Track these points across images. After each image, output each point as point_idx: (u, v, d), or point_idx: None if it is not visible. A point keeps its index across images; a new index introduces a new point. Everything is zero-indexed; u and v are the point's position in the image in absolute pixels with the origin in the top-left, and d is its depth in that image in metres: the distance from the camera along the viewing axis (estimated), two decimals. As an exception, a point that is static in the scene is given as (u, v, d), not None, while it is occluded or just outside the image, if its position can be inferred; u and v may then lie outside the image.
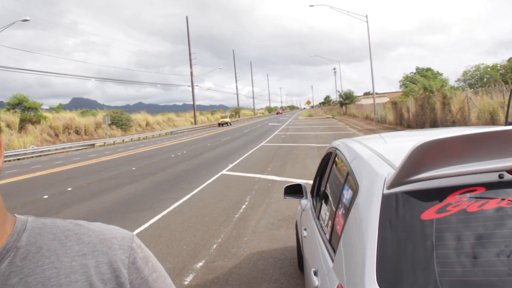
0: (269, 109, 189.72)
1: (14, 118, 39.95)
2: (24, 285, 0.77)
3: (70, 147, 38.47)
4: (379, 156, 2.24)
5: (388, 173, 1.87)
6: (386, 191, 1.76)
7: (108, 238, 0.88)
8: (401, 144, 2.79)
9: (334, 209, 2.49)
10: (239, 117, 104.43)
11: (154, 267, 0.92)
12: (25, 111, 41.42)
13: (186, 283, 5.03)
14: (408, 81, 46.84)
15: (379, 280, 1.54)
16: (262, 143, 26.34)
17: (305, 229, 3.64)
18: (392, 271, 1.56)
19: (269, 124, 59.36)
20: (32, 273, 0.78)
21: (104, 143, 43.35)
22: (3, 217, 0.81)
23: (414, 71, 51.29)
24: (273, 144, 25.39)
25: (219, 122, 70.71)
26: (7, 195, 13.09)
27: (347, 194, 2.26)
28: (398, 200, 1.72)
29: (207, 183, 12.52)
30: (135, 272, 0.87)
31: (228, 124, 69.81)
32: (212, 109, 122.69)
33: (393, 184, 1.72)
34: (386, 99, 49.94)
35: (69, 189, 13.43)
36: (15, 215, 0.86)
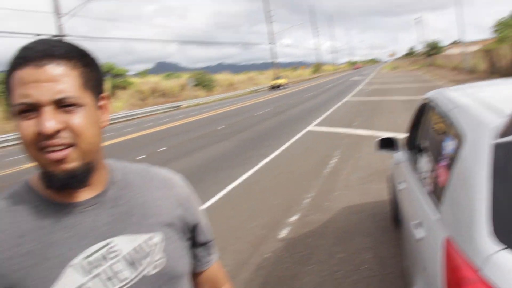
0: (351, 63, 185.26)
1: (105, 85, 42.20)
2: (128, 205, 1.06)
3: (158, 110, 40.16)
4: (482, 105, 2.16)
5: (495, 121, 1.80)
6: (496, 141, 1.71)
7: (171, 178, 1.20)
8: (503, 92, 2.67)
9: (435, 161, 2.45)
10: (319, 73, 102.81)
11: (196, 197, 1.25)
12: (114, 78, 43.56)
13: (281, 236, 5.22)
14: (502, 26, 43.31)
15: (495, 232, 1.51)
16: (346, 98, 25.92)
17: (401, 182, 3.63)
18: (509, 224, 1.53)
19: (352, 78, 58.09)
20: (132, 197, 1.08)
21: (189, 104, 44.75)
22: (103, 160, 1.08)
23: (508, 15, 47.32)
24: (358, 98, 24.92)
25: (271, 85, 58.30)
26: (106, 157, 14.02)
27: (449, 145, 2.21)
28: (511, 149, 1.67)
29: (293, 139, 12.65)
30: (191, 200, 1.20)
31: (283, 87, 56.79)
32: (293, 66, 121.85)
33: (505, 133, 1.67)
34: (475, 48, 46.79)
35: (163, 149, 14.16)
36: None
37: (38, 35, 35.20)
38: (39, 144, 0.92)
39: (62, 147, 0.92)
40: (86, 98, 0.97)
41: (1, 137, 27.89)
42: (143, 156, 12.88)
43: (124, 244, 1.01)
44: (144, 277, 1.02)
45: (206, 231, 1.25)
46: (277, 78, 60.43)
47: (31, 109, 0.91)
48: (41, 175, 0.99)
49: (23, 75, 0.91)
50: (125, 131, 24.51)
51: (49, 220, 0.98)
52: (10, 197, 1.01)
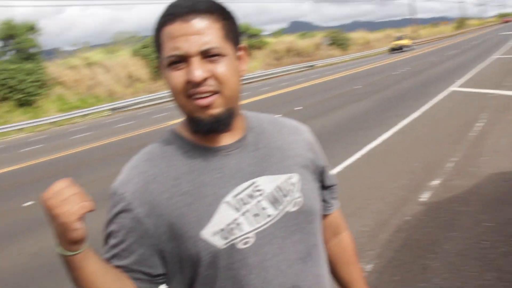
0: (501, 16, 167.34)
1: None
2: (267, 148, 1.15)
3: (293, 69, 40.46)
4: None
5: None
6: None
7: (298, 126, 1.29)
8: None
9: None
10: (463, 28, 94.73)
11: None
12: (250, 38, 44.57)
13: (423, 200, 5.09)
14: None
15: None
16: (494, 56, 23.67)
17: None
18: None
19: (501, 33, 52.79)
20: (269, 141, 1.16)
21: (324, 63, 44.37)
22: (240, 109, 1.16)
23: None
24: (509, 56, 22.69)
25: (391, 47, 49.73)
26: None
27: None
28: None
29: (435, 100, 12.00)
30: (317, 145, 1.28)
31: (407, 48, 48.46)
32: (434, 21, 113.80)
33: None
34: None
35: (299, 108, 14.36)
36: None
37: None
38: (187, 92, 1.01)
39: (208, 94, 1.01)
40: (227, 48, 1.04)
41: (150, 96, 30.32)
42: (280, 115, 13.15)
43: (266, 183, 1.10)
44: (286, 214, 1.10)
45: (331, 176, 1.32)
46: (399, 38, 51.57)
47: (180, 61, 1.00)
48: (188, 121, 1.09)
49: (172, 30, 1.00)
50: (262, 90, 25.19)
51: (199, 163, 1.08)
52: (162, 144, 1.13)
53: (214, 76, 1.01)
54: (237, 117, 1.11)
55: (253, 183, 1.09)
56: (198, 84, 0.99)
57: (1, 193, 9.19)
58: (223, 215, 1.04)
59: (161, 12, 1.05)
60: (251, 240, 1.06)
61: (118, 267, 1.05)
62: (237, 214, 1.05)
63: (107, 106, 29.07)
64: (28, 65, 28.54)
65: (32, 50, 30.55)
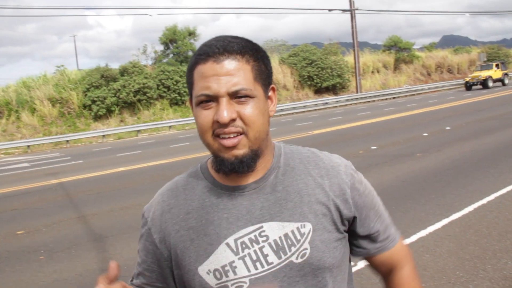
0: None
1: (389, 58, 42.52)
2: (285, 192, 1.12)
3: (443, 86, 38.49)
4: None
5: None
6: None
7: (336, 166, 1.18)
8: None
9: None
10: None
11: (365, 186, 1.21)
12: (399, 51, 43.34)
13: None
14: None
15: None
16: None
17: None
18: None
19: None
20: (290, 184, 1.13)
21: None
22: (271, 144, 1.17)
23: None
24: None
25: (466, 81, 34.06)
26: (390, 130, 14.42)
27: None
28: None
29: None
30: (354, 190, 1.16)
31: (502, 82, 34.45)
32: None
33: None
34: None
35: (447, 128, 13.71)
36: (273, 141, 1.20)
37: (330, 10, 37.52)
38: (214, 131, 1.04)
39: (234, 134, 1.03)
40: (257, 90, 1.06)
41: (293, 104, 30.97)
42: (426, 134, 12.75)
43: (274, 230, 1.08)
44: (289, 264, 1.08)
45: (370, 223, 1.19)
46: (483, 66, 35.45)
47: (210, 100, 1.03)
48: (213, 159, 1.12)
49: (204, 69, 1.03)
50: (408, 106, 24.43)
51: (212, 201, 1.12)
52: (188, 176, 1.21)
53: (241, 117, 1.03)
54: (262, 156, 1.12)
55: (260, 227, 1.09)
56: (225, 124, 1.02)
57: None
58: (221, 256, 1.08)
59: (196, 51, 1.10)
60: (245, 286, 1.07)
61: (143, 283, 1.22)
62: (235, 257, 1.08)
63: (252, 110, 30.25)
64: (183, 68, 30.96)
65: (189, 54, 33.10)
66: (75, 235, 6.42)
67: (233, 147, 1.04)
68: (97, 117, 28.94)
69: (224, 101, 1.02)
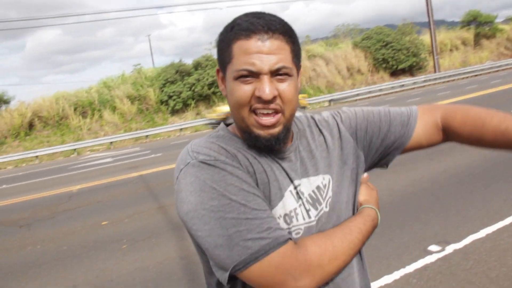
0: None
1: (468, 35, 40.21)
2: (305, 152, 1.23)
3: (530, 60, 35.93)
4: None
5: None
6: None
7: (326, 118, 1.34)
8: None
9: None
10: None
11: (350, 111, 1.35)
12: (479, 26, 40.86)
13: None
14: None
15: None
16: None
17: None
18: None
19: None
20: (306, 145, 1.25)
21: None
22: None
23: None
24: None
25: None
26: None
27: None
28: None
29: None
30: (345, 122, 1.33)
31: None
32: None
33: None
34: None
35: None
36: None
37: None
38: (252, 106, 1.07)
39: (272, 111, 1.07)
40: (293, 69, 1.10)
41: (369, 88, 30.25)
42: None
43: (306, 186, 1.18)
44: (323, 213, 1.18)
45: (377, 125, 1.31)
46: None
47: (250, 76, 1.06)
48: (245, 134, 1.14)
49: (247, 45, 1.06)
50: (492, 83, 23.00)
51: (263, 159, 1.15)
52: (223, 137, 1.19)
53: (280, 96, 1.07)
54: (291, 130, 1.20)
55: (299, 184, 1.18)
56: (267, 101, 1.06)
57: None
58: (288, 201, 1.14)
59: (231, 25, 1.10)
60: (300, 233, 1.13)
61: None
62: (296, 205, 1.15)
63: (326, 97, 29.96)
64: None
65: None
66: (155, 225, 6.59)
67: (271, 126, 1.09)
68: (174, 112, 29.80)
69: (266, 78, 1.05)
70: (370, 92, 29.80)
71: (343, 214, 1.22)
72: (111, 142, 25.98)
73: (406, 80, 32.12)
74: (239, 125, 1.15)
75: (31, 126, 28.73)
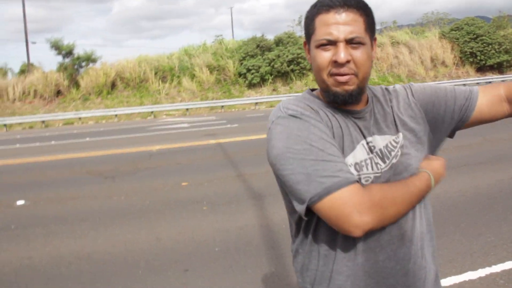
0: None
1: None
2: (380, 114, 1.40)
3: None
4: None
5: None
6: None
7: (397, 89, 1.49)
8: None
9: None
10: None
11: (421, 86, 1.51)
12: None
13: None
14: None
15: None
16: None
17: None
18: None
19: None
20: (381, 108, 1.41)
21: None
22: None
23: None
24: None
25: None
26: None
27: None
28: None
29: None
30: (415, 94, 1.47)
31: None
32: None
33: None
34: None
35: None
36: None
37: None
38: (330, 70, 1.27)
39: (347, 73, 1.25)
40: (366, 39, 1.28)
41: (452, 82, 29.05)
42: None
43: (379, 141, 1.35)
44: (392, 165, 1.34)
45: (444, 99, 1.44)
46: None
47: (329, 44, 1.26)
48: (325, 93, 1.33)
49: (326, 18, 1.26)
50: None
51: (341, 116, 1.34)
52: (308, 98, 1.39)
53: (353, 60, 1.25)
54: (364, 92, 1.37)
55: (372, 139, 1.35)
56: (342, 64, 1.25)
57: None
58: (359, 153, 1.31)
59: (314, 3, 1.31)
60: (370, 180, 1.30)
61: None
62: (367, 156, 1.32)
63: (405, 86, 29.05)
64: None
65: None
66: (235, 192, 6.75)
67: (345, 83, 1.27)
68: (251, 85, 30.04)
69: (341, 45, 1.24)
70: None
71: (410, 171, 1.35)
72: (187, 109, 26.68)
73: (494, 77, 30.49)
74: (320, 86, 1.35)
75: (113, 85, 30.02)
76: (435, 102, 1.44)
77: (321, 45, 1.27)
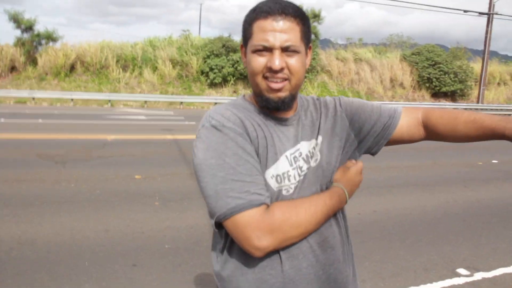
0: None
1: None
2: (307, 121, 1.45)
3: None
4: None
5: None
6: None
7: (326, 100, 1.56)
8: None
9: None
10: None
11: (349, 100, 1.57)
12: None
13: None
14: None
15: None
16: None
17: None
18: None
19: None
20: (308, 116, 1.47)
21: None
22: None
23: None
24: None
25: None
26: (513, 147, 13.32)
27: None
28: None
29: None
30: (343, 105, 1.53)
31: None
32: None
33: None
34: None
35: None
36: None
37: (465, 11, 35.25)
38: (264, 74, 1.30)
39: (280, 80, 1.30)
40: (301, 47, 1.32)
41: (407, 104, 29.73)
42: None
43: (305, 147, 1.40)
44: (309, 168, 1.39)
45: (368, 116, 1.52)
46: None
47: (265, 50, 1.28)
48: (258, 98, 1.36)
49: (264, 24, 1.28)
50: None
51: (271, 124, 1.37)
52: (240, 103, 1.42)
53: (288, 68, 1.29)
54: (296, 99, 1.40)
55: (299, 146, 1.39)
56: (276, 71, 1.28)
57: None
58: (282, 164, 1.34)
59: (253, 8, 1.33)
60: (290, 191, 1.34)
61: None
62: (290, 168, 1.35)
63: (363, 103, 29.67)
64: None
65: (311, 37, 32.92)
66: (187, 189, 6.71)
67: (279, 90, 1.31)
68: (212, 85, 29.88)
69: (277, 52, 1.27)
70: (408, 107, 29.45)
71: (329, 173, 1.44)
72: (145, 101, 26.25)
73: (447, 104, 31.64)
74: (254, 90, 1.37)
75: (72, 68, 29.14)
76: (361, 114, 1.51)
77: (257, 50, 1.30)
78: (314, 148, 1.43)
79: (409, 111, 1.55)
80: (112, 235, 4.83)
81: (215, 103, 26.67)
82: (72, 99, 25.18)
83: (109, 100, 25.62)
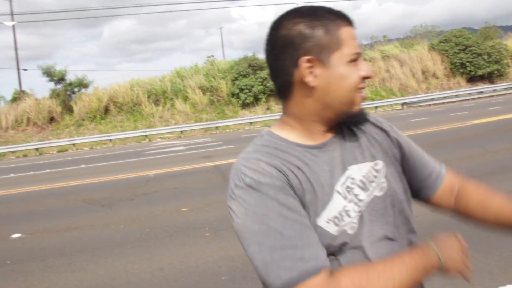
0: None
1: None
2: (353, 140, 1.26)
3: None
4: None
5: None
6: None
7: (378, 121, 1.34)
8: None
9: None
10: None
11: (401, 132, 1.37)
12: None
13: None
14: None
15: None
16: None
17: None
18: None
19: None
20: (353, 134, 1.27)
21: None
22: None
23: None
24: None
25: None
26: None
27: None
28: None
29: None
30: (394, 133, 1.33)
31: None
32: None
33: None
34: None
35: None
36: None
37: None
38: (359, 86, 1.16)
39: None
40: None
41: (444, 93, 29.15)
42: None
43: (356, 172, 1.19)
44: (374, 198, 1.19)
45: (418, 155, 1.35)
46: None
47: (355, 59, 1.15)
48: (341, 115, 1.19)
49: (352, 32, 1.17)
50: None
51: (309, 157, 1.17)
52: (269, 142, 1.20)
53: None
54: None
55: (349, 173, 1.19)
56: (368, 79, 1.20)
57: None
58: (336, 202, 1.14)
59: (338, 13, 1.17)
60: (355, 226, 1.15)
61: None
62: (345, 202, 1.15)
63: (399, 100, 29.19)
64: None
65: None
66: (236, 215, 6.57)
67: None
68: (244, 105, 30.03)
69: (362, 59, 1.17)
70: (445, 97, 28.70)
71: (398, 203, 1.24)
72: (181, 131, 26.58)
73: (485, 87, 30.65)
74: (339, 109, 1.18)
75: (106, 110, 29.93)
76: (411, 149, 1.35)
77: (352, 60, 1.15)
78: (373, 171, 1.23)
79: (450, 175, 1.40)
80: (167, 273, 4.73)
81: (250, 123, 26.73)
82: (110, 140, 25.75)
83: (146, 136, 26.07)
